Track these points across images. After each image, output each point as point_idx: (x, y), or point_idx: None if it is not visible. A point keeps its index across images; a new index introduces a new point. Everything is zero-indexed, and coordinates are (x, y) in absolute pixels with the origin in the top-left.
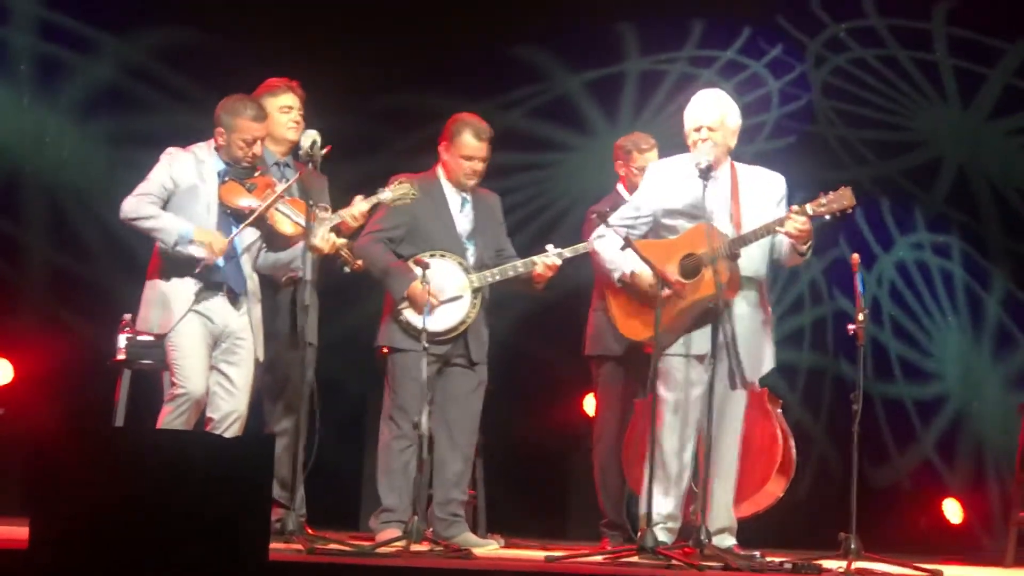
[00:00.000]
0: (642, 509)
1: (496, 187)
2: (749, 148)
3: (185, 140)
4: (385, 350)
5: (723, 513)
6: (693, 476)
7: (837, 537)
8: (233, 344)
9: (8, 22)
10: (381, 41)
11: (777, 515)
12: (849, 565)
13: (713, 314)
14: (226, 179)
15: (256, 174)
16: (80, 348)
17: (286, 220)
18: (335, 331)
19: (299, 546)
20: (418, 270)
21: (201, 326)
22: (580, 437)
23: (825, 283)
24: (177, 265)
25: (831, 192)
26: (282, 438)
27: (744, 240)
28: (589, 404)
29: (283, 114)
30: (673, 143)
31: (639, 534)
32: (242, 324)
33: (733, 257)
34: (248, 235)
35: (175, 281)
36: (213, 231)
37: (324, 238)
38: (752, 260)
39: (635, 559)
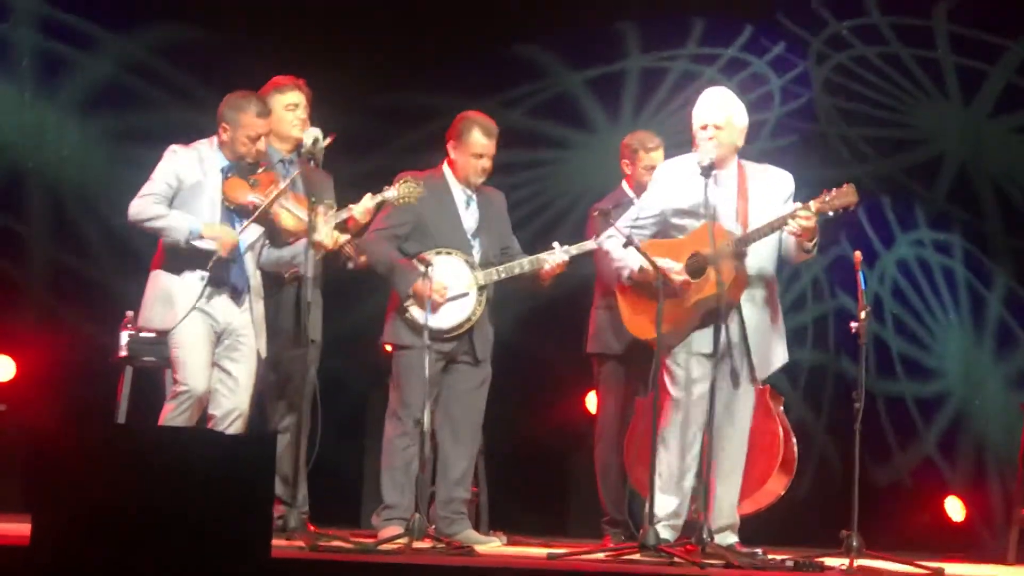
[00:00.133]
0: (657, 508)
1: (498, 184)
2: (751, 146)
3: (187, 137)
4: (390, 347)
5: (726, 511)
6: (699, 474)
7: (839, 535)
8: (235, 341)
9: (10, 19)
10: (382, 39)
11: (779, 513)
12: (851, 563)
13: (717, 313)
14: (229, 175)
15: (259, 170)
16: (82, 345)
17: (289, 216)
18: (337, 328)
19: (301, 543)
20: (431, 268)
21: (204, 323)
22: (582, 435)
23: (827, 281)
24: (181, 261)
25: (834, 189)
26: (285, 435)
27: (749, 239)
28: (591, 402)
29: (289, 112)
30: (674, 141)
31: (640, 531)
32: (244, 321)
33: (739, 256)
34: (251, 232)
35: (178, 277)
36: (221, 225)
37: (328, 234)
38: (760, 258)
39: (637, 556)
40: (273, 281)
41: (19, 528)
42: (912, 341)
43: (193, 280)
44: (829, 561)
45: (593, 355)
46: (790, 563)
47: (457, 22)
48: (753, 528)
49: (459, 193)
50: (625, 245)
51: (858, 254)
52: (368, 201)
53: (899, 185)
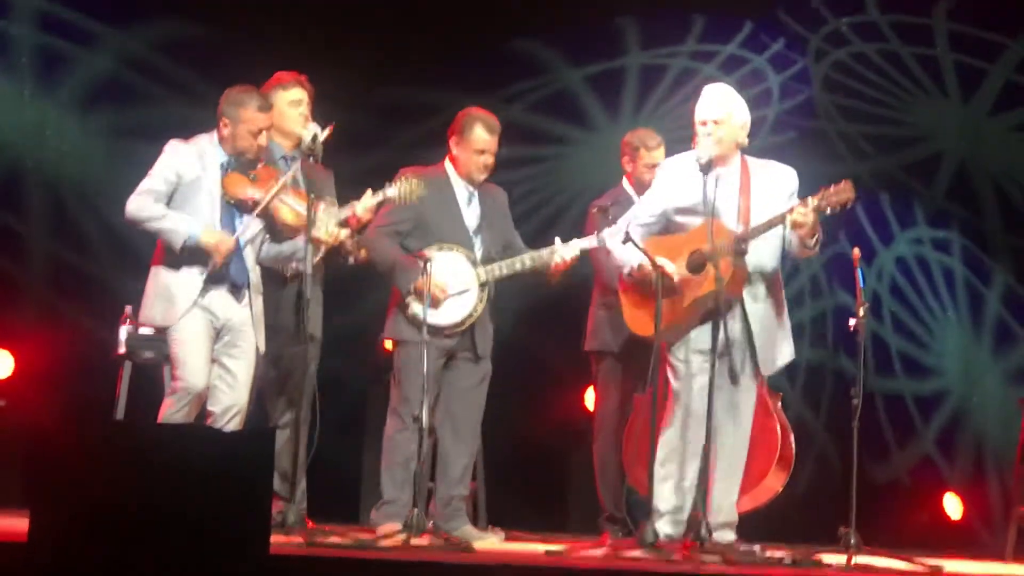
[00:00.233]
0: (657, 502)
1: (497, 181)
2: (750, 143)
3: (187, 133)
4: (391, 343)
5: (725, 508)
6: (701, 470)
7: (837, 532)
8: (235, 337)
9: (9, 15)
10: (381, 35)
11: (777, 509)
12: (849, 560)
13: (716, 310)
14: (229, 170)
15: (259, 165)
16: (81, 341)
17: (289, 210)
18: (337, 325)
19: (299, 539)
20: (430, 264)
21: (204, 320)
22: (580, 431)
23: (825, 278)
24: (181, 257)
25: (832, 186)
26: (284, 431)
27: (747, 236)
28: (589, 399)
29: (292, 108)
30: (674, 138)
31: (639, 528)
32: (244, 317)
33: (739, 253)
34: (252, 227)
35: (179, 274)
36: (219, 231)
37: (328, 231)
38: (760, 255)
39: (635, 553)
40: (275, 278)
41: (17, 524)
42: (911, 339)
43: (193, 276)
44: (827, 558)
45: (591, 352)
46: (788, 560)
47: (457, 18)
48: (751, 525)
49: (461, 190)
50: (624, 242)
51: (856, 251)
52: (369, 198)
53: (898, 182)
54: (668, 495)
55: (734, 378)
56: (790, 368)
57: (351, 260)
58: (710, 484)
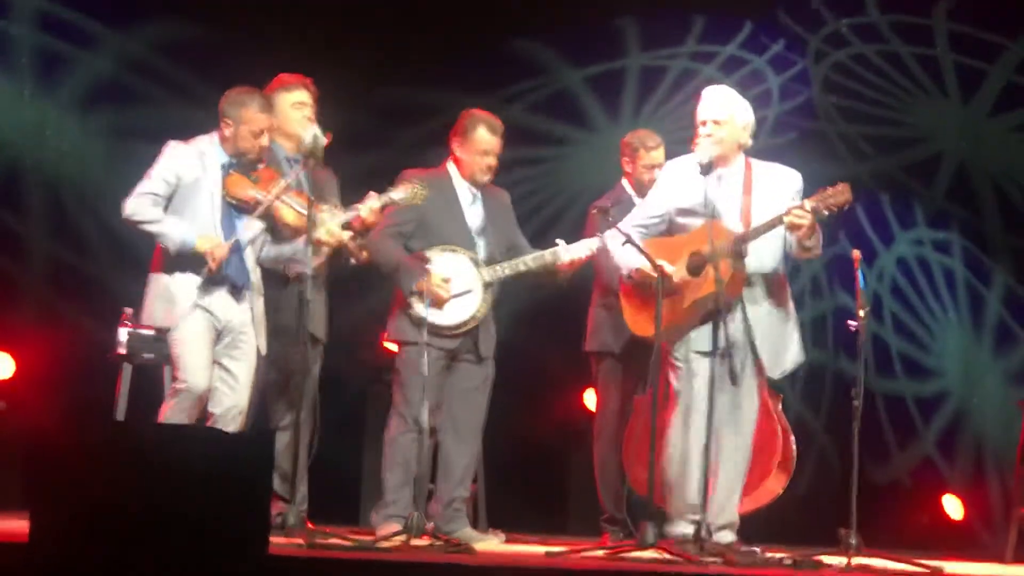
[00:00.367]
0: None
1: (497, 182)
2: (753, 143)
3: (186, 134)
4: (395, 345)
5: (727, 510)
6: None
7: (837, 533)
8: (235, 338)
9: (9, 15)
10: (381, 36)
11: (777, 511)
12: (849, 561)
13: (716, 311)
14: (231, 171)
15: (260, 166)
16: (81, 342)
17: (291, 211)
18: (336, 326)
19: (299, 540)
20: (428, 265)
21: (205, 321)
22: (580, 432)
23: (826, 279)
24: (181, 260)
25: (829, 188)
26: (285, 433)
27: (746, 237)
28: (590, 399)
29: (296, 110)
30: (674, 139)
31: (639, 529)
32: (245, 318)
33: (738, 255)
34: (252, 228)
35: (179, 275)
36: (214, 237)
37: (330, 231)
38: (761, 257)
39: (635, 554)
40: (277, 280)
41: (18, 525)
42: (911, 340)
43: (192, 278)
44: (827, 559)
45: (591, 353)
46: (788, 561)
47: (457, 18)
48: (752, 526)
49: (464, 191)
50: (624, 243)
51: (857, 252)
52: (374, 201)
53: (898, 183)
54: (682, 495)
55: (734, 379)
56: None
57: (352, 261)
58: (710, 485)
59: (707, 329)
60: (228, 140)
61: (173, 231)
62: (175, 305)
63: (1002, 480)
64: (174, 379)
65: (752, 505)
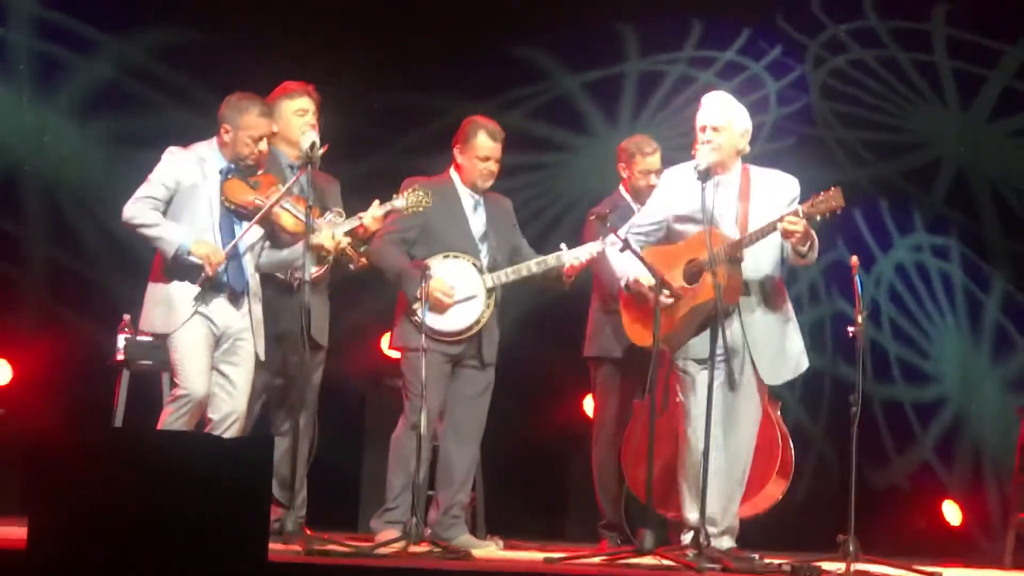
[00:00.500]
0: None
1: (496, 188)
2: (749, 151)
3: (185, 139)
4: (398, 352)
5: (727, 516)
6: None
7: (836, 539)
8: (234, 345)
9: (7, 21)
10: (381, 41)
11: (776, 517)
12: (848, 567)
13: (713, 319)
14: (229, 176)
15: (259, 172)
16: (79, 348)
17: (290, 216)
18: (335, 331)
19: (298, 547)
20: (430, 272)
21: (204, 327)
22: (579, 438)
23: (824, 285)
24: (180, 267)
25: (822, 193)
26: (285, 439)
27: (741, 244)
28: (588, 405)
29: (298, 117)
30: (672, 145)
31: (637, 535)
32: (243, 324)
33: (734, 261)
34: (251, 234)
35: (176, 284)
36: (211, 243)
37: (329, 236)
38: (757, 263)
39: (634, 560)
40: (280, 286)
41: (16, 531)
42: (909, 345)
43: (191, 285)
44: (826, 565)
45: (590, 358)
46: (787, 567)
47: (456, 23)
48: (750, 532)
49: (467, 197)
50: (621, 249)
51: (855, 258)
52: (377, 209)
53: (896, 189)
54: (695, 506)
55: (732, 385)
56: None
57: (352, 267)
58: (708, 490)
59: (703, 337)
60: (227, 145)
61: (170, 236)
62: (174, 311)
63: (1000, 486)
64: (173, 385)
65: (751, 511)
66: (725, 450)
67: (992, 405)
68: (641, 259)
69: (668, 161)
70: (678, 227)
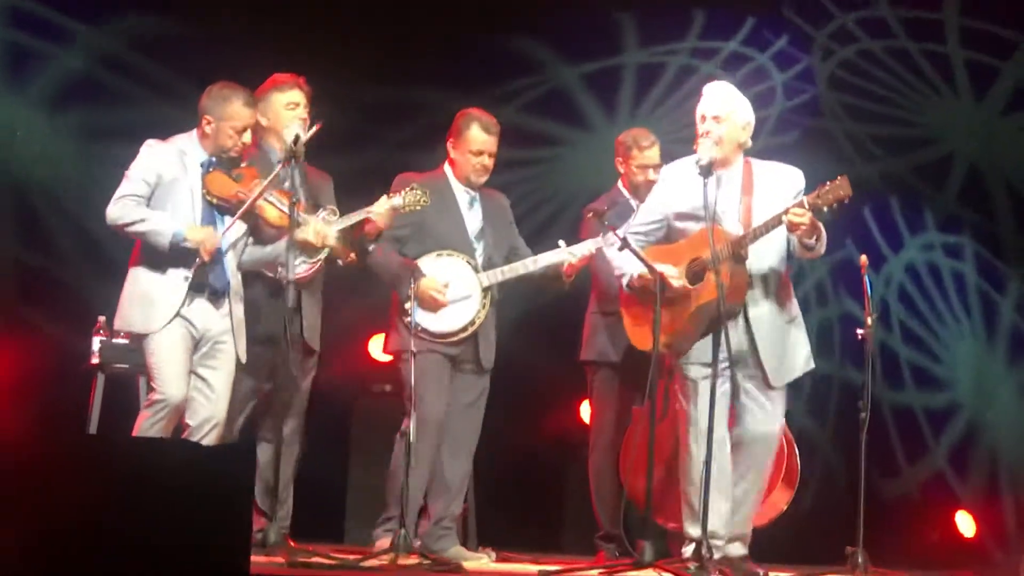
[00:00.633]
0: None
1: (491, 182)
2: (753, 143)
3: (163, 133)
4: (391, 356)
5: (740, 521)
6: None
7: (844, 551)
8: (213, 348)
9: None
10: (373, 33)
11: (781, 528)
12: None
13: (717, 319)
14: (211, 169)
15: (243, 164)
16: (52, 351)
17: (274, 209)
18: (321, 337)
19: (280, 559)
20: (423, 270)
21: (182, 329)
22: (575, 446)
23: (831, 285)
24: (160, 260)
25: (828, 183)
26: (271, 445)
27: (745, 240)
28: (585, 411)
29: (289, 110)
30: (672, 138)
31: (635, 546)
32: (224, 326)
33: (738, 259)
34: (234, 231)
35: (158, 279)
36: (205, 228)
37: (316, 231)
38: (762, 259)
39: (632, 573)
40: (271, 286)
41: None
42: (921, 349)
43: (176, 281)
44: None
45: (587, 362)
46: None
47: (449, 13)
48: (754, 544)
49: (462, 194)
50: (621, 248)
51: (864, 258)
52: (385, 203)
53: (907, 185)
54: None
55: (742, 388)
56: (795, 379)
57: (340, 262)
58: (712, 497)
59: (709, 339)
60: (208, 137)
61: (162, 226)
62: (153, 310)
63: (1016, 496)
64: (150, 389)
65: (756, 522)
66: (737, 452)
67: (1008, 411)
68: (641, 258)
69: (669, 155)
70: (679, 225)
